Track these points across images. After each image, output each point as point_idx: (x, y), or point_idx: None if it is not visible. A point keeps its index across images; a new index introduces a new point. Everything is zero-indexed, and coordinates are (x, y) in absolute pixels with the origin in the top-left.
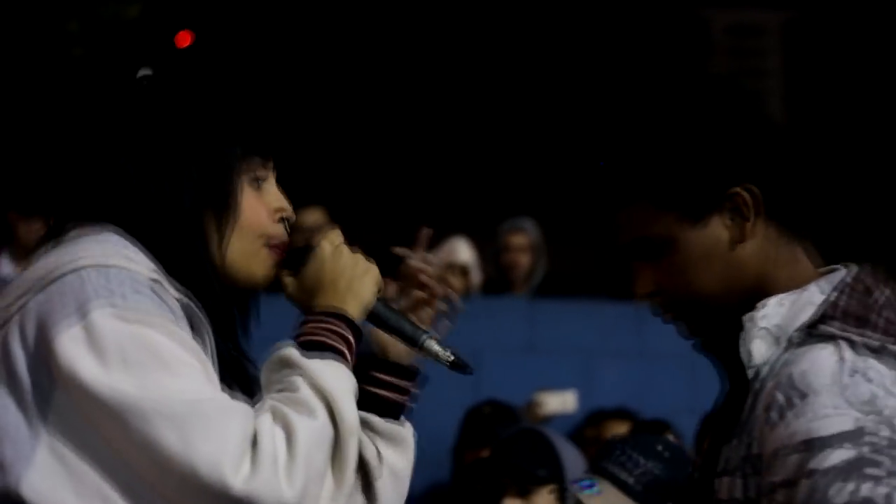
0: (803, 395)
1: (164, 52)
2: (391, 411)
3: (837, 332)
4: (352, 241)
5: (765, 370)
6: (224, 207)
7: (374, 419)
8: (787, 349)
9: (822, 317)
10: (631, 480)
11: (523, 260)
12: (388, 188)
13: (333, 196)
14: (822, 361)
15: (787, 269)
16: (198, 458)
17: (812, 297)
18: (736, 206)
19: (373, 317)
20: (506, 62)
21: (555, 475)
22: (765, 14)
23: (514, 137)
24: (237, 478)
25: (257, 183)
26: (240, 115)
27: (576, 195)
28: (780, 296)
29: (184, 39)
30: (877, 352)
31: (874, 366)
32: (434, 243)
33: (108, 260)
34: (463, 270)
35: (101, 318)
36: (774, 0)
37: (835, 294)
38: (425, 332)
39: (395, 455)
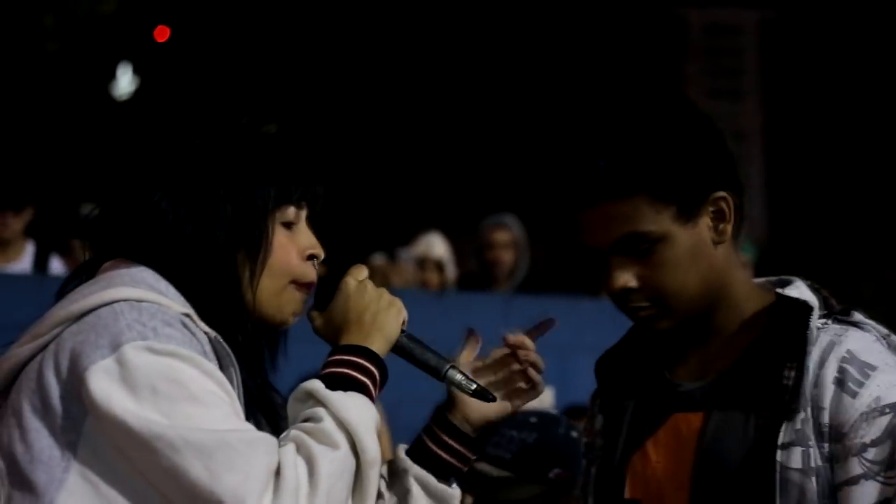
0: (873, 367)
1: (142, 46)
2: (445, 473)
3: (864, 321)
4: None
5: (809, 349)
6: (257, 248)
7: (429, 478)
8: (818, 333)
9: (844, 308)
10: (506, 455)
11: (506, 256)
12: (368, 184)
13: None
14: (870, 343)
15: (741, 272)
16: (222, 488)
17: (806, 293)
18: (719, 210)
19: (398, 349)
20: (485, 59)
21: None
22: (742, 13)
23: (495, 135)
24: None
25: (289, 226)
26: (274, 157)
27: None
28: (787, 290)
29: (162, 34)
30: (885, 338)
31: None
32: (409, 238)
33: (142, 295)
34: (438, 265)
35: (133, 351)
36: None
37: (822, 292)
38: (448, 362)
39: None
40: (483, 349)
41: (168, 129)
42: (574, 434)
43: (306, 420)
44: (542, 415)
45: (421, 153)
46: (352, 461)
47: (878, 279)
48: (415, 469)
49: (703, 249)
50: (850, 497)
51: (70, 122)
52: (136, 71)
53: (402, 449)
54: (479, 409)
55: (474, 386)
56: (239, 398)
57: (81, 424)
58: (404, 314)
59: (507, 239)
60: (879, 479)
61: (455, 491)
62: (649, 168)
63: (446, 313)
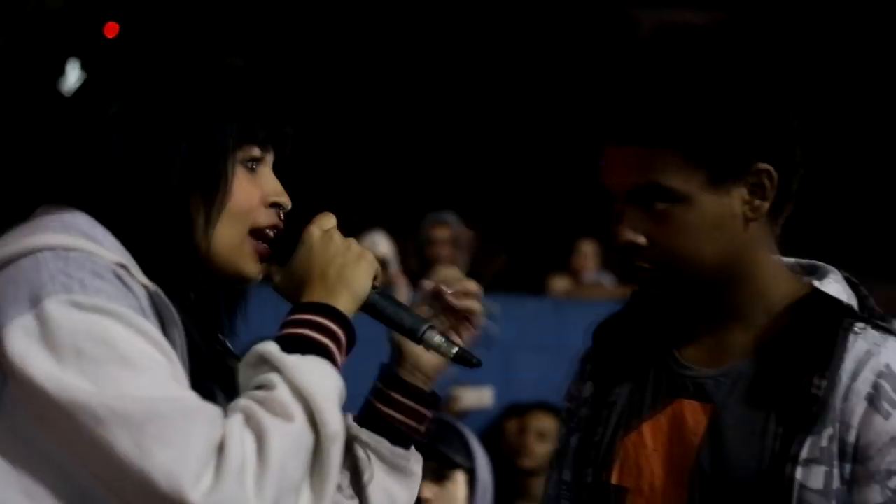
0: None
1: (90, 42)
2: (402, 439)
3: None
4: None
5: (844, 357)
6: (214, 189)
7: (382, 443)
8: (854, 338)
9: (883, 314)
10: None
11: (446, 253)
12: (309, 181)
13: None
14: None
15: (771, 255)
16: (154, 466)
17: (842, 290)
18: (759, 183)
19: (368, 308)
20: (431, 57)
21: (468, 462)
22: (691, 14)
23: (439, 134)
24: (197, 491)
25: (252, 165)
26: (238, 91)
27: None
28: (823, 284)
29: (112, 30)
30: None
31: None
32: (352, 237)
33: (71, 242)
34: (381, 263)
35: (55, 306)
36: (701, 1)
37: (861, 290)
38: (426, 322)
39: (398, 487)
40: None
41: (120, 60)
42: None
43: (258, 388)
44: (440, 421)
45: (364, 152)
46: (309, 435)
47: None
48: (365, 434)
49: (729, 222)
50: None
51: (17, 119)
52: (84, 67)
53: (349, 417)
54: (430, 357)
55: (456, 349)
56: (183, 362)
57: (1, 393)
58: (376, 268)
59: (446, 235)
60: None
61: (413, 454)
62: (688, 125)
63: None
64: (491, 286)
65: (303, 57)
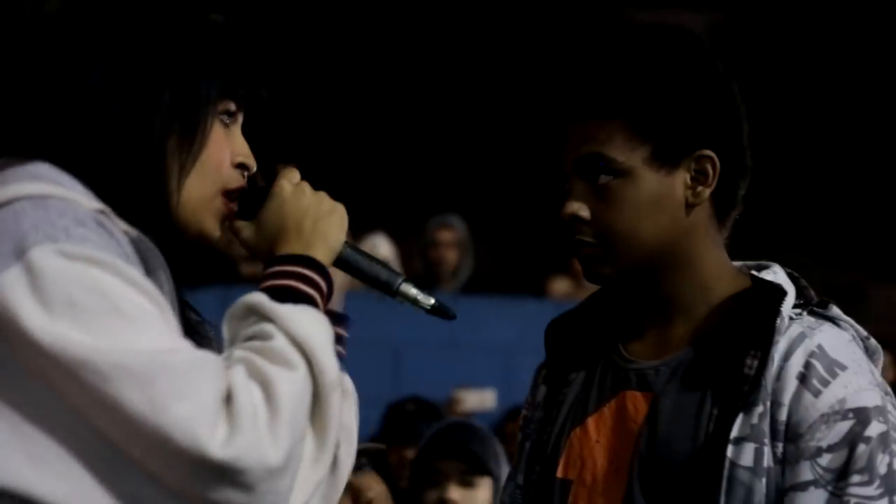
0: (842, 367)
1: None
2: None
3: (842, 317)
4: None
5: (777, 339)
6: (191, 137)
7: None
8: (790, 322)
9: (822, 301)
10: None
11: (450, 256)
12: (313, 183)
13: None
14: (844, 340)
15: (715, 250)
16: (169, 421)
17: (783, 280)
18: (702, 170)
19: (342, 262)
20: (432, 59)
21: (497, 469)
22: (689, 16)
23: (439, 137)
24: (215, 441)
25: (227, 120)
26: (222, 47)
27: (494, 193)
28: (763, 274)
29: None
30: (863, 340)
31: (875, 351)
32: (354, 239)
33: (47, 190)
34: None
35: (42, 255)
36: (699, 2)
37: (801, 282)
38: (400, 275)
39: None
40: (428, 349)
41: (105, 9)
42: None
43: (251, 338)
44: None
45: (365, 154)
46: (310, 384)
47: (824, 280)
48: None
49: (669, 203)
50: (795, 503)
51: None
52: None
53: None
54: (340, 275)
55: (432, 301)
56: (173, 308)
57: None
58: (347, 220)
59: (451, 238)
60: (829, 488)
61: (346, 381)
62: (634, 95)
63: (391, 314)
64: (491, 288)
65: (308, 59)
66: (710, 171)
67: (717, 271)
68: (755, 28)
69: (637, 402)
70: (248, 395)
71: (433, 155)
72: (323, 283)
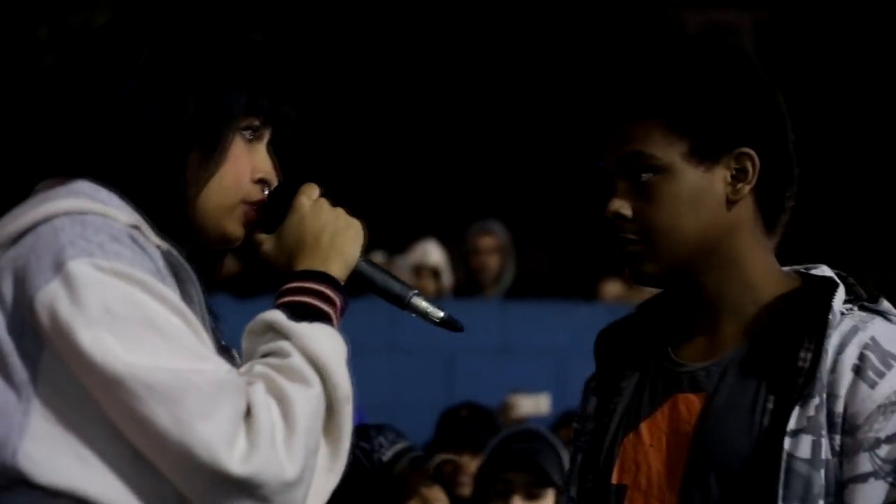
0: None
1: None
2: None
3: (893, 311)
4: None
5: (829, 333)
6: (212, 150)
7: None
8: (841, 318)
9: (872, 296)
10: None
11: (492, 262)
12: (356, 190)
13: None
14: (895, 333)
15: (761, 251)
16: (193, 439)
17: (832, 278)
18: (742, 167)
19: (357, 275)
20: (478, 64)
21: (560, 480)
22: (737, 14)
23: (483, 140)
24: (234, 458)
25: (251, 136)
26: (252, 63)
27: (545, 197)
28: (807, 269)
29: None
30: None
31: None
32: (405, 246)
33: (84, 206)
34: (434, 273)
35: (79, 268)
36: (747, 0)
37: (849, 280)
38: (412, 289)
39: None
40: (481, 355)
41: (141, 25)
42: None
43: (269, 355)
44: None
45: (414, 160)
46: (325, 399)
47: (873, 277)
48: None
49: (708, 200)
50: (855, 495)
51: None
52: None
53: None
54: None
55: (441, 314)
56: (203, 321)
57: (38, 360)
58: (363, 236)
59: (492, 244)
60: (889, 479)
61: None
62: (669, 93)
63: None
64: (544, 292)
65: (349, 71)
66: (750, 169)
67: (765, 272)
68: (801, 25)
69: (690, 404)
70: (267, 412)
71: (481, 159)
72: (338, 299)
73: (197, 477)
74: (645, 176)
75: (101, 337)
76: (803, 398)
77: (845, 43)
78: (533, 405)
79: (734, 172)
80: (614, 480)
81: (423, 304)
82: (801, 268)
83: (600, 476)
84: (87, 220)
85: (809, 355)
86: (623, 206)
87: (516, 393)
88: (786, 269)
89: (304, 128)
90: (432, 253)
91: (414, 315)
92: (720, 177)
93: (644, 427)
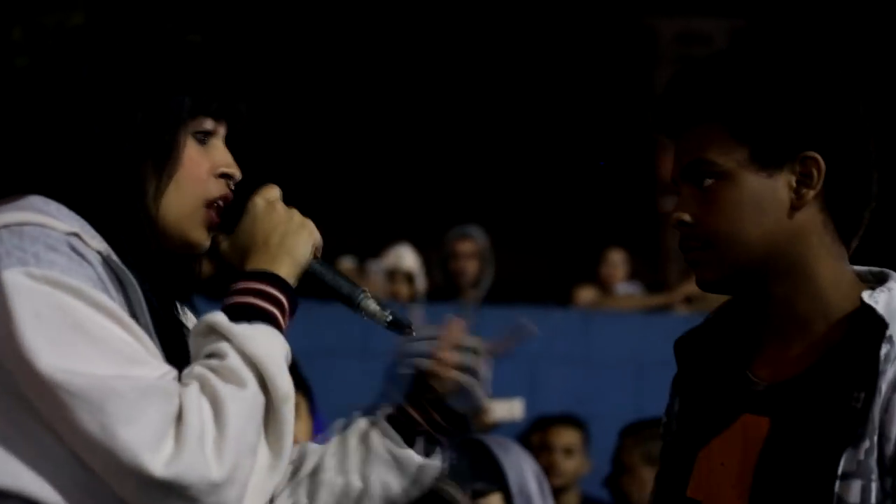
0: None
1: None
2: (411, 434)
3: None
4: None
5: (886, 368)
6: (165, 158)
7: (395, 438)
8: None
9: None
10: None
11: (471, 267)
12: (333, 195)
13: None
14: None
15: (833, 263)
16: (116, 444)
17: (892, 300)
18: (807, 172)
19: (308, 276)
20: (453, 70)
21: (497, 482)
22: (712, 22)
23: (458, 145)
24: (158, 461)
25: (203, 137)
26: (193, 65)
27: (520, 203)
28: (877, 293)
29: None
30: None
31: None
32: (379, 250)
33: (24, 218)
34: (408, 277)
35: (12, 276)
36: (722, 8)
37: None
38: (362, 290)
39: (393, 477)
40: None
41: (85, 36)
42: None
43: (209, 356)
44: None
45: (390, 164)
46: (261, 399)
47: None
48: (381, 425)
49: (771, 205)
50: None
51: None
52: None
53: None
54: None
55: (390, 316)
56: (145, 324)
57: None
58: (317, 237)
59: (471, 249)
60: None
61: (420, 459)
62: (728, 99)
63: (416, 325)
64: (516, 297)
65: (328, 72)
66: (815, 174)
67: (834, 283)
68: (776, 33)
69: (757, 427)
70: (198, 413)
71: (457, 164)
72: (283, 298)
73: (125, 481)
74: (707, 182)
75: (30, 343)
76: (854, 441)
77: (820, 51)
78: (506, 410)
79: (799, 177)
80: (689, 494)
81: (372, 306)
82: (876, 271)
83: (677, 488)
84: (24, 231)
85: (863, 395)
86: (683, 214)
87: (489, 398)
88: (861, 269)
89: (272, 129)
90: (406, 257)
91: (364, 316)
92: (784, 182)
93: (716, 444)
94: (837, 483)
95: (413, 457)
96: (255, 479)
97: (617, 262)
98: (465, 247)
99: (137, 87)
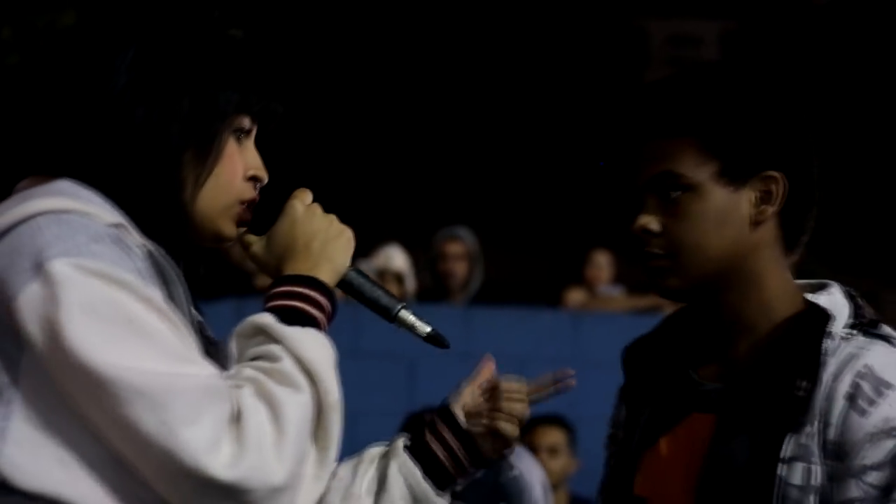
0: (890, 386)
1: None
2: (434, 472)
3: (894, 335)
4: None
5: (827, 360)
6: (207, 150)
7: (415, 472)
8: (841, 343)
9: (874, 320)
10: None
11: (460, 269)
12: (325, 194)
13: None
14: (893, 358)
15: (779, 270)
16: (178, 444)
17: (839, 300)
18: (768, 189)
19: (346, 284)
20: (443, 71)
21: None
22: (703, 24)
23: (448, 145)
24: (219, 464)
25: (240, 136)
26: (241, 62)
27: (511, 203)
28: (815, 295)
29: None
30: None
31: None
32: (368, 250)
33: (65, 205)
34: (398, 278)
35: (59, 267)
36: (713, 10)
37: (858, 301)
38: (400, 301)
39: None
40: (443, 360)
41: (130, 23)
42: (515, 474)
43: (258, 358)
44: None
45: (380, 165)
46: (314, 405)
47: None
48: (402, 457)
49: (734, 220)
50: None
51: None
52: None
53: (400, 436)
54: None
55: (429, 329)
56: (187, 321)
57: (18, 363)
58: (353, 245)
59: (460, 251)
60: None
61: (442, 497)
62: (704, 113)
63: None
64: (506, 298)
65: (321, 71)
66: (776, 192)
67: (780, 292)
68: (767, 36)
69: (704, 424)
70: (256, 416)
71: (450, 166)
72: (327, 305)
73: (181, 483)
74: (674, 193)
75: (83, 338)
76: (798, 426)
77: (811, 53)
78: None
79: (760, 194)
80: (636, 492)
81: (410, 318)
82: (814, 282)
83: (624, 487)
84: (67, 219)
85: (805, 384)
86: (651, 222)
87: None
88: (800, 282)
89: (291, 127)
90: (396, 258)
91: (401, 328)
92: (746, 198)
93: (663, 442)
94: (782, 467)
95: (430, 494)
96: (303, 489)
97: (602, 263)
98: (454, 248)
99: (186, 76)
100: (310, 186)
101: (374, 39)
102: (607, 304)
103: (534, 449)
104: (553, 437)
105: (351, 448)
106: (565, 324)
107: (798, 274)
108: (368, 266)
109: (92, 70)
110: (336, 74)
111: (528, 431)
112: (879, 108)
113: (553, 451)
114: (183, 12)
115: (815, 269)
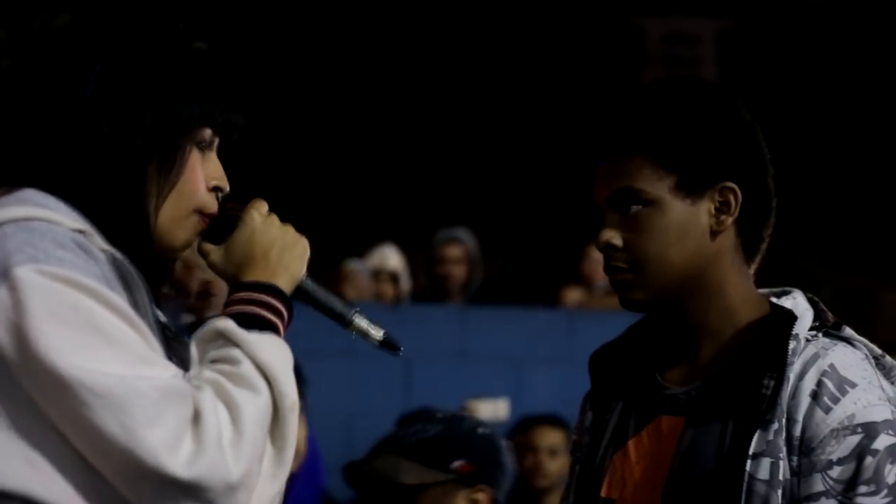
0: (852, 384)
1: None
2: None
3: (856, 337)
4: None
5: (793, 360)
6: (171, 163)
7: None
8: (805, 344)
9: (837, 323)
10: (410, 440)
11: (458, 271)
12: (320, 195)
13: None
14: (855, 359)
15: (740, 277)
16: (139, 446)
17: (802, 305)
18: (725, 200)
19: (301, 292)
20: (440, 71)
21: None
22: (700, 23)
23: (446, 144)
24: (179, 462)
25: (203, 147)
26: (204, 75)
27: (507, 203)
28: (782, 300)
29: None
30: (877, 358)
31: (892, 368)
32: (364, 250)
33: (30, 213)
34: (393, 278)
35: (24, 274)
36: (709, 9)
37: (820, 306)
38: (355, 308)
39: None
40: (439, 360)
41: (95, 37)
42: (481, 431)
43: (218, 361)
44: (449, 412)
45: (375, 165)
46: (271, 406)
47: (836, 286)
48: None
49: (694, 231)
50: None
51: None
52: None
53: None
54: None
55: (381, 335)
56: (151, 326)
57: None
58: (308, 254)
59: (459, 254)
60: (839, 498)
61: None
62: (657, 130)
63: (402, 326)
64: (503, 298)
65: (317, 73)
66: (733, 202)
67: (743, 298)
68: (764, 34)
69: (671, 426)
70: (215, 416)
71: (444, 165)
72: (285, 311)
73: (142, 482)
74: (634, 208)
75: (48, 342)
76: (764, 423)
77: (808, 52)
78: (491, 410)
79: (717, 205)
80: (603, 494)
81: (364, 324)
82: (777, 290)
83: (590, 489)
84: (32, 226)
85: (772, 383)
86: (614, 237)
87: (474, 398)
88: (762, 291)
89: (255, 137)
90: (391, 258)
91: (355, 334)
92: (705, 209)
93: (631, 445)
94: (749, 462)
95: None
96: (259, 487)
97: (599, 259)
98: (454, 251)
99: (150, 89)
100: (308, 187)
101: (371, 39)
102: (604, 303)
103: (533, 449)
104: (553, 437)
105: (348, 447)
106: (561, 323)
107: (798, 274)
108: (364, 266)
109: (60, 81)
110: (335, 75)
111: (528, 431)
112: (877, 108)
113: (553, 451)
114: (149, 25)
115: (815, 269)
